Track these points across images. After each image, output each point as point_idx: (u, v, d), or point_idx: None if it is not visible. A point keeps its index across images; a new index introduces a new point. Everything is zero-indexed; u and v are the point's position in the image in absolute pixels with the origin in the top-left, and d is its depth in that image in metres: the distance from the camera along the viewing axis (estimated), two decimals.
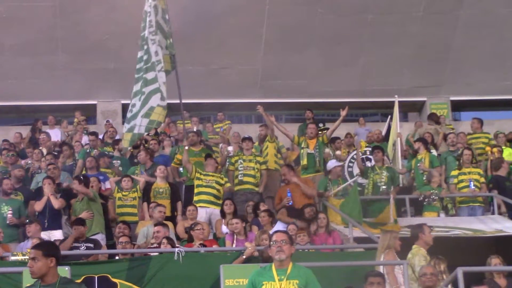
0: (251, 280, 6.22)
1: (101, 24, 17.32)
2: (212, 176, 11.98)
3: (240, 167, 12.64)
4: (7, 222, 10.98)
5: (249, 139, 13.27)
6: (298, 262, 6.49)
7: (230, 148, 14.56)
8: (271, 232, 9.91)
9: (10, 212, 11.03)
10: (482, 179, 13.14)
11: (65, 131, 16.96)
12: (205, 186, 11.92)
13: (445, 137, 15.38)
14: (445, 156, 14.30)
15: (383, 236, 9.08)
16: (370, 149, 13.85)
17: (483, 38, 18.12)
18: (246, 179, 12.59)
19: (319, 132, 13.94)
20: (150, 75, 11.35)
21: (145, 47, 11.53)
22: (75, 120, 17.29)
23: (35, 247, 5.45)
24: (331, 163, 12.88)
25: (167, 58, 11.76)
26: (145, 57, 11.49)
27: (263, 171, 12.87)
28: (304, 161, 12.95)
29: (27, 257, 8.97)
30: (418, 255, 8.42)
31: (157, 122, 11.46)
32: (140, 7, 17.13)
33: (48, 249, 5.40)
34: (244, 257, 9.19)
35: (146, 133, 11.80)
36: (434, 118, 16.50)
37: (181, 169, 13.32)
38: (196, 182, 12.01)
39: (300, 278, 6.09)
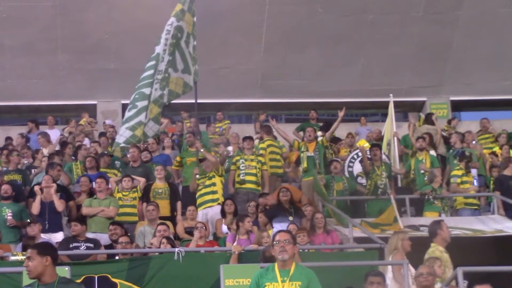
0: (254, 280, 6.20)
1: (101, 24, 17.33)
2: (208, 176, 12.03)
3: (242, 166, 12.62)
4: (7, 224, 10.95)
5: (250, 138, 13.27)
6: (298, 262, 6.48)
7: (230, 148, 14.56)
8: (272, 232, 9.98)
9: (10, 214, 11.00)
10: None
11: (75, 130, 16.82)
12: (203, 188, 11.99)
13: (445, 138, 15.41)
14: (448, 156, 14.32)
15: (392, 238, 9.16)
16: (368, 149, 13.83)
17: (483, 38, 18.12)
18: (248, 178, 12.58)
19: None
20: (146, 91, 11.30)
21: (153, 62, 11.49)
22: (83, 120, 17.27)
23: (30, 247, 5.61)
24: None
25: (180, 81, 11.67)
26: (149, 72, 11.40)
27: (264, 171, 12.88)
28: (304, 164, 12.98)
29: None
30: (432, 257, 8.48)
31: (138, 138, 11.28)
32: (140, 7, 17.24)
33: (42, 248, 5.48)
34: (235, 252, 9.24)
35: (123, 144, 11.59)
36: (428, 119, 16.57)
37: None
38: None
39: (302, 279, 6.07)
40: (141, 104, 11.20)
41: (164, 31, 11.65)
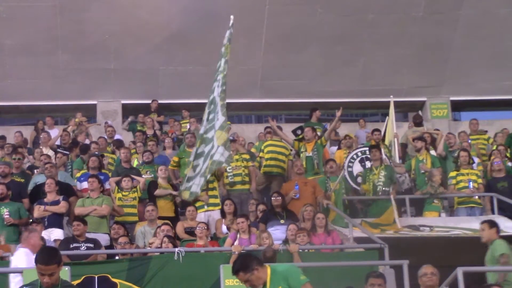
0: None
1: (101, 24, 17.31)
2: None
3: (229, 168, 12.65)
4: (5, 222, 10.96)
5: (233, 140, 13.30)
6: (298, 262, 6.46)
7: None
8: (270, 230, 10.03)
9: (7, 213, 11.00)
10: (480, 180, 13.14)
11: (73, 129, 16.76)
12: (208, 190, 11.93)
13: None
14: (449, 157, 14.31)
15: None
16: (367, 149, 13.82)
17: (483, 38, 18.11)
18: (236, 179, 12.72)
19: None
20: (210, 134, 11.53)
21: (214, 107, 11.68)
22: (76, 119, 17.21)
23: (48, 262, 5.12)
24: None
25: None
26: (210, 116, 11.64)
27: (251, 167, 12.91)
28: (303, 165, 12.97)
29: None
30: None
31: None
32: (140, 7, 17.22)
33: (58, 258, 5.21)
34: (235, 252, 9.26)
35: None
36: (417, 120, 16.56)
37: None
38: None
39: (281, 283, 6.03)
40: (207, 148, 11.54)
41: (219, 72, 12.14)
